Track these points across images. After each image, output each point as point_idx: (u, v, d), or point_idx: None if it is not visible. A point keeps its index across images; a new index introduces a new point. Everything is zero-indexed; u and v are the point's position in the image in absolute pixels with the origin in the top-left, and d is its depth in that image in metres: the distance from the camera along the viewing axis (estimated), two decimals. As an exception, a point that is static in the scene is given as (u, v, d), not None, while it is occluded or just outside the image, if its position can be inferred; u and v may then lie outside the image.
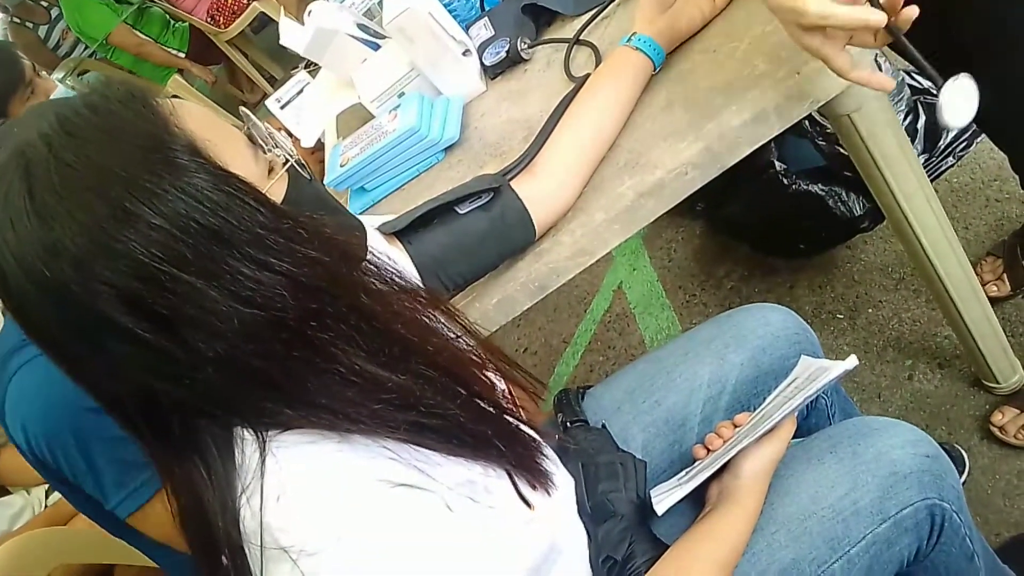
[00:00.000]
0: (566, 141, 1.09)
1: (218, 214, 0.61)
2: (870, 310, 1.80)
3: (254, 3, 4.51)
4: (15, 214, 0.60)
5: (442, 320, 0.80)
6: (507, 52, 1.43)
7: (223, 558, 0.65)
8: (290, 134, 1.78)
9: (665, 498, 0.93)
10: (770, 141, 1.03)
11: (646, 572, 0.89)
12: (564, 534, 0.88)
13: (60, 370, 0.67)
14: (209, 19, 4.59)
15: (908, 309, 1.75)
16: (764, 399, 1.03)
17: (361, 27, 1.58)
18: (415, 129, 1.37)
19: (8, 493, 2.35)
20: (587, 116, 1.10)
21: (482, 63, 1.47)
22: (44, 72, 2.14)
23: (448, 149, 1.41)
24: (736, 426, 1.00)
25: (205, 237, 0.60)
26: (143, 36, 4.58)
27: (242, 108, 0.80)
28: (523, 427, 0.81)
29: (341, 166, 1.43)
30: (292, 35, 1.58)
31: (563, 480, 0.92)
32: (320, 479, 0.64)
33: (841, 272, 1.90)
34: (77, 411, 1.05)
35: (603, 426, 1.10)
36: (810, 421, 1.18)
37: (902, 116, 1.70)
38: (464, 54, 1.45)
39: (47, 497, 2.27)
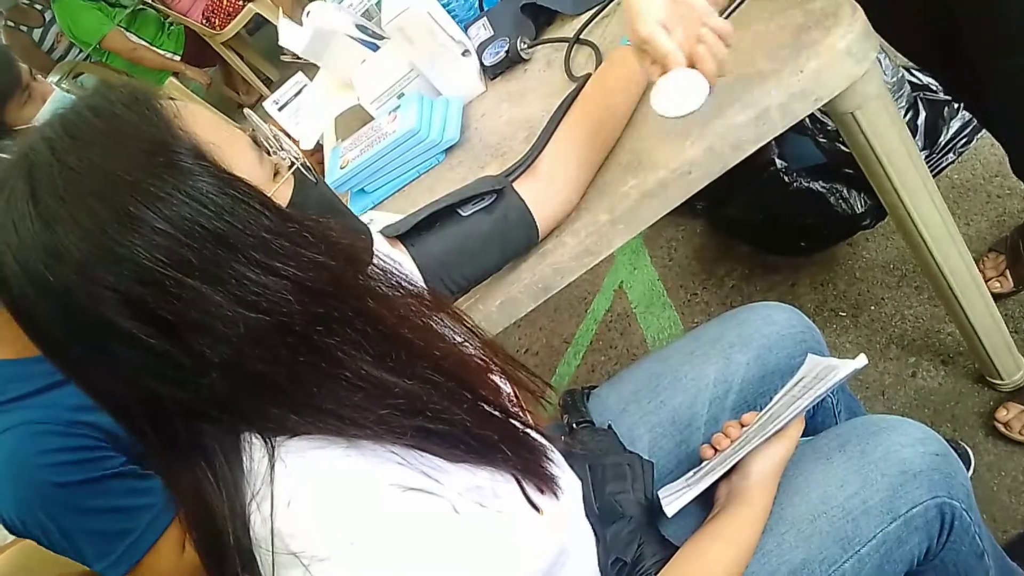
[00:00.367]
0: (568, 141, 1.08)
1: (223, 218, 0.60)
2: (872, 307, 1.79)
3: (249, 4, 4.49)
4: (18, 218, 0.59)
5: (447, 323, 0.80)
6: (507, 52, 1.42)
7: (234, 565, 0.64)
8: (288, 136, 1.77)
9: (675, 499, 0.93)
10: (771, 139, 1.03)
11: (656, 574, 0.88)
12: (572, 537, 0.88)
13: (64, 375, 0.66)
14: (204, 21, 4.58)
15: (911, 306, 1.74)
16: (771, 398, 1.03)
17: (360, 28, 1.57)
18: (415, 130, 1.36)
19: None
20: (589, 116, 1.10)
21: (481, 63, 1.47)
22: (40, 76, 2.12)
23: (448, 150, 1.40)
24: (743, 425, 0.99)
25: (210, 241, 0.59)
26: (137, 40, 4.56)
27: (246, 110, 0.79)
28: (529, 431, 0.81)
29: (341, 168, 1.42)
30: (291, 36, 1.58)
31: (570, 483, 0.92)
32: (330, 484, 0.63)
33: (843, 270, 1.90)
34: (45, 488, 1.05)
35: (609, 427, 1.10)
36: (817, 420, 1.17)
37: (902, 112, 1.70)
38: (463, 54, 1.44)
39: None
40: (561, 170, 1.08)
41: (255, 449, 0.65)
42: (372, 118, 1.51)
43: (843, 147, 1.69)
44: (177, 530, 1.14)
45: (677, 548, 0.90)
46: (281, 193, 0.70)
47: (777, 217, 1.84)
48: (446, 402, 0.70)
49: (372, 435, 0.66)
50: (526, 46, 1.42)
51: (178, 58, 4.76)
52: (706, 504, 0.95)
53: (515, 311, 1.14)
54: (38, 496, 1.06)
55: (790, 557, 0.89)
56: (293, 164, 0.73)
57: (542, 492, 0.79)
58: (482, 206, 1.07)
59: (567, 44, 1.33)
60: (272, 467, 0.63)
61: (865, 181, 1.67)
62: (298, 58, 1.62)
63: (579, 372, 2.25)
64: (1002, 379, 1.48)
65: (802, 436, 0.96)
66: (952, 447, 1.17)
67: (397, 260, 0.95)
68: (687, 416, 1.09)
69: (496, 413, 0.76)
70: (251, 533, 0.63)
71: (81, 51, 4.59)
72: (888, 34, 1.07)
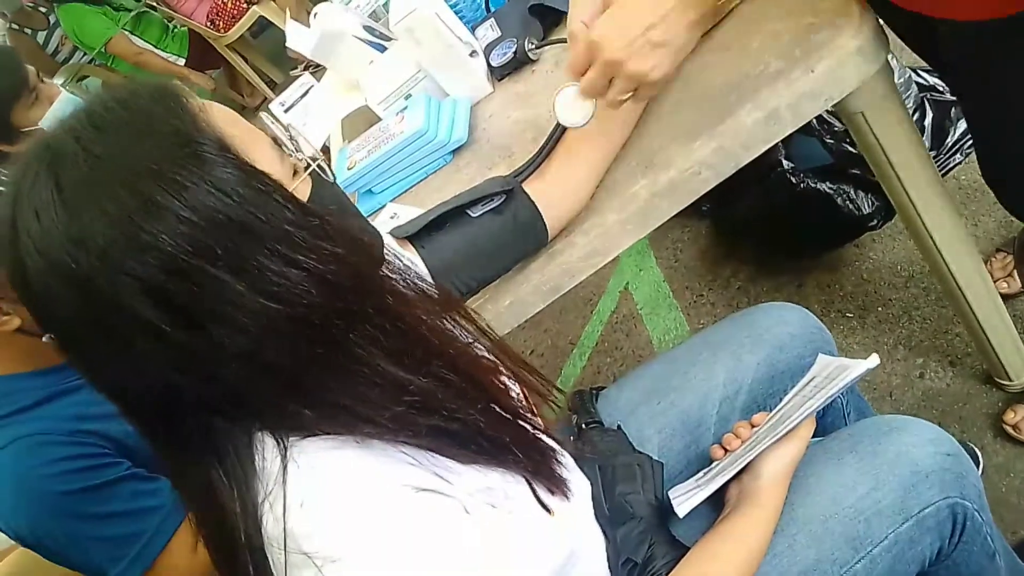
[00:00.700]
0: (577, 142, 1.08)
1: (247, 209, 0.60)
2: (880, 308, 1.79)
3: (253, 7, 4.50)
4: (41, 206, 0.59)
5: (459, 323, 0.80)
6: (514, 53, 1.42)
7: (245, 563, 0.64)
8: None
9: (686, 500, 0.92)
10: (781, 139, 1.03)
11: (667, 574, 0.88)
12: (582, 539, 0.88)
13: (78, 370, 0.65)
14: (209, 23, 4.58)
15: (918, 307, 1.74)
16: (781, 399, 1.02)
17: (367, 29, 1.57)
18: (423, 131, 1.36)
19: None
20: (598, 117, 1.09)
21: (489, 64, 1.46)
22: (47, 78, 2.13)
23: (456, 151, 1.40)
24: (753, 426, 0.99)
25: (234, 231, 0.60)
26: (142, 44, 4.57)
27: (261, 113, 0.80)
28: (539, 432, 0.81)
29: (348, 169, 1.42)
30: (299, 37, 1.58)
31: (580, 484, 0.91)
32: (343, 485, 0.63)
33: (850, 271, 1.89)
34: (53, 497, 1.05)
35: (618, 427, 1.10)
36: (826, 420, 1.17)
37: (910, 113, 1.70)
38: (471, 55, 1.44)
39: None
40: (570, 171, 1.08)
41: (267, 449, 0.65)
42: (379, 119, 1.51)
43: (850, 148, 1.69)
44: (188, 530, 1.14)
45: (688, 549, 0.90)
46: (300, 192, 0.70)
47: (784, 218, 1.84)
48: (460, 401, 0.70)
49: (386, 432, 0.66)
50: (534, 47, 1.42)
51: (182, 61, 4.77)
52: (717, 505, 0.95)
53: (524, 311, 1.14)
54: (46, 507, 1.06)
55: (802, 558, 0.89)
56: (311, 164, 0.73)
57: (552, 493, 0.79)
58: (491, 207, 1.06)
59: (575, 45, 1.33)
60: (284, 467, 0.63)
61: (872, 182, 1.68)
62: (307, 64, 1.63)
63: (584, 374, 2.25)
64: (1010, 380, 1.48)
65: (812, 437, 0.96)
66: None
67: (410, 260, 0.95)
68: (697, 417, 1.09)
69: (507, 415, 0.76)
70: (263, 532, 0.63)
71: (85, 54, 4.60)
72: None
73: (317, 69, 2.60)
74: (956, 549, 0.93)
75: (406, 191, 1.43)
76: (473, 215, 1.06)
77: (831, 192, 1.73)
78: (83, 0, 4.34)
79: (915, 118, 1.72)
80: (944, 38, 0.90)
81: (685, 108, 1.08)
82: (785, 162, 1.76)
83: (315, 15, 1.58)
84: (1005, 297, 1.57)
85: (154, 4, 4.63)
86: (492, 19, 1.52)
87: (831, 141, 1.70)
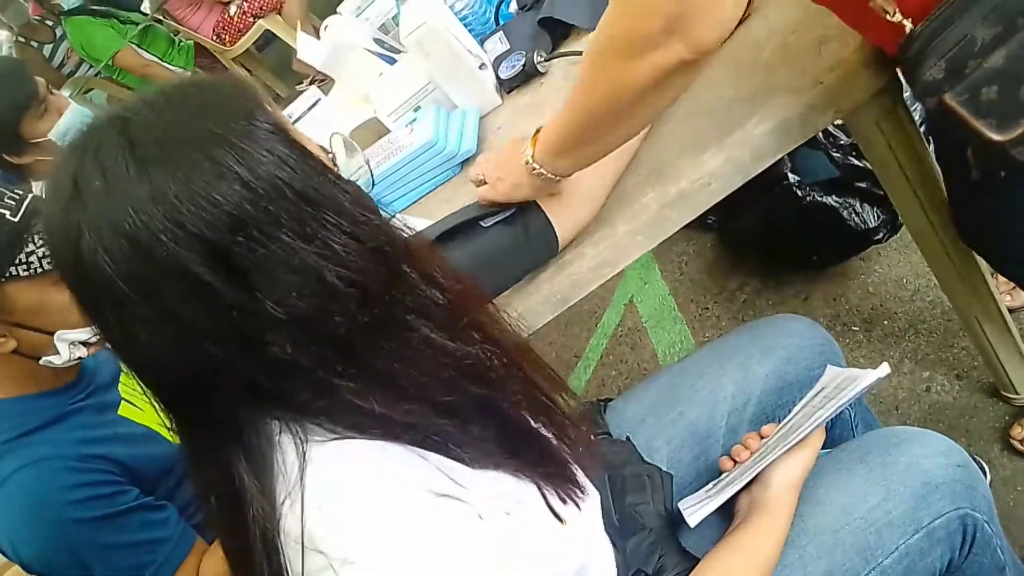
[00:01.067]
0: None
1: (309, 183, 0.63)
2: (885, 322, 1.79)
3: (259, 21, 4.53)
4: (110, 164, 0.60)
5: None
6: (523, 66, 1.43)
7: (259, 556, 0.65)
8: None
9: (697, 510, 0.92)
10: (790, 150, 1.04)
11: (677, 585, 0.88)
12: (592, 548, 0.88)
13: (111, 340, 0.65)
14: (215, 37, 4.61)
15: (924, 320, 1.74)
16: (789, 410, 1.02)
17: (377, 41, 1.58)
18: (432, 142, 1.37)
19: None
20: None
21: (497, 76, 1.47)
22: (55, 90, 2.14)
23: (465, 162, 1.41)
24: (762, 437, 0.99)
25: (297, 200, 0.62)
26: (148, 57, 4.59)
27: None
28: (554, 440, 0.81)
29: (357, 180, 1.43)
30: (310, 50, 1.59)
31: (590, 494, 0.92)
32: (361, 488, 0.64)
33: (855, 284, 1.90)
34: (66, 526, 1.04)
35: (627, 438, 1.10)
36: (835, 433, 1.17)
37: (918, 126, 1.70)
38: (480, 67, 1.46)
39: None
40: (581, 182, 1.08)
41: (288, 451, 0.65)
42: (388, 131, 1.52)
43: (856, 161, 1.69)
44: (194, 559, 1.14)
45: (698, 560, 0.90)
46: None
47: (790, 231, 1.85)
48: (502, 371, 0.72)
49: (425, 413, 0.67)
50: (543, 59, 1.43)
51: (189, 75, 4.79)
52: (727, 516, 0.95)
53: (534, 322, 1.14)
54: (59, 535, 1.05)
55: (812, 569, 0.89)
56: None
57: (565, 503, 0.79)
58: (502, 218, 1.07)
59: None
60: (303, 469, 0.63)
61: (878, 195, 1.69)
62: (312, 77, 1.63)
63: (589, 387, 2.25)
64: (1017, 393, 1.48)
65: (821, 448, 0.96)
66: (968, 461, 1.17)
67: None
68: (705, 428, 1.09)
69: (544, 398, 0.79)
70: (281, 528, 0.64)
71: (91, 67, 4.62)
72: None
73: (324, 82, 2.62)
74: (966, 560, 0.93)
75: (415, 202, 1.44)
76: (484, 226, 1.07)
77: (837, 205, 1.73)
78: (91, 13, 4.36)
79: (923, 130, 1.73)
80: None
81: (694, 120, 1.09)
82: (791, 175, 1.77)
83: (326, 28, 1.59)
84: (1010, 310, 1.57)
85: (160, 17, 4.66)
86: (501, 32, 1.54)
87: (837, 154, 1.70)
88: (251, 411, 0.66)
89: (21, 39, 4.57)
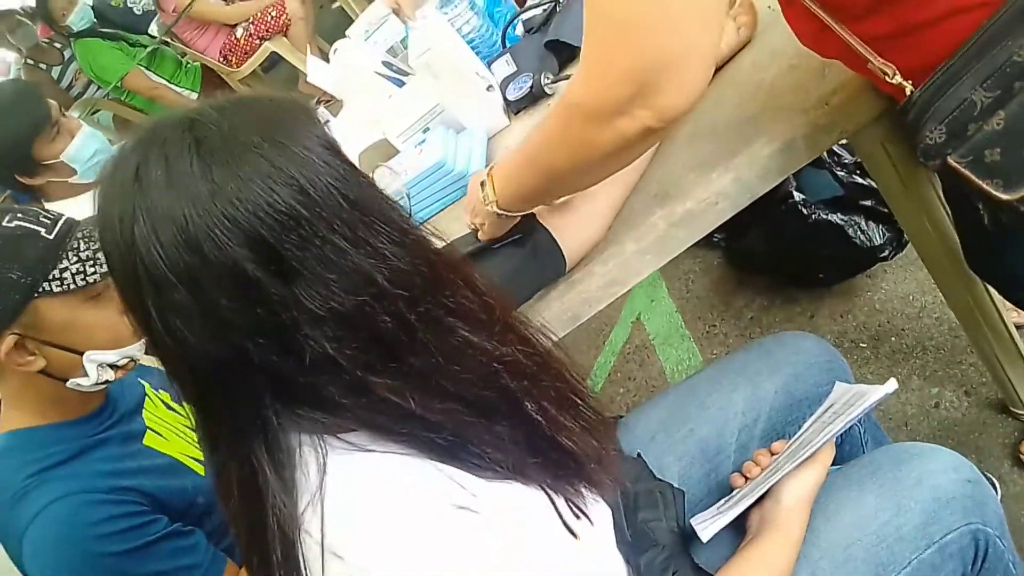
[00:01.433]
0: None
1: (359, 192, 0.66)
2: (893, 339, 1.80)
3: (266, 43, 4.58)
4: (175, 157, 0.63)
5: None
6: (531, 87, 1.45)
7: (276, 554, 0.66)
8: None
9: (709, 525, 0.93)
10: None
11: (691, 601, 0.88)
12: (605, 564, 0.88)
13: (146, 331, 0.67)
14: (222, 59, 4.66)
15: (931, 337, 1.75)
16: (799, 427, 1.03)
17: (386, 64, 1.60)
18: (441, 163, 1.39)
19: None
20: None
21: (505, 98, 1.49)
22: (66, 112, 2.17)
23: (474, 183, 1.42)
24: (773, 454, 1.00)
25: (350, 209, 0.64)
26: (157, 79, 4.64)
27: None
28: (577, 446, 0.82)
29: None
30: (320, 73, 1.61)
31: (602, 509, 0.92)
32: (381, 498, 0.65)
33: (862, 301, 1.90)
34: (96, 559, 1.04)
35: (638, 455, 1.10)
36: (844, 449, 1.17)
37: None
38: (487, 89, 1.47)
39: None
40: (588, 203, 1.10)
41: (309, 461, 0.66)
42: (397, 152, 1.54)
43: (860, 179, 1.71)
44: None
45: (711, 576, 0.91)
46: None
47: (796, 249, 1.86)
48: (536, 369, 0.75)
49: (459, 412, 0.69)
50: (550, 81, 1.45)
51: (195, 96, 4.83)
52: (739, 531, 0.95)
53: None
54: (92, 569, 1.05)
55: (825, 584, 0.89)
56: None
57: (577, 517, 0.79)
58: (511, 239, 1.09)
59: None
60: (323, 479, 0.65)
61: (883, 213, 1.70)
62: (318, 99, 1.66)
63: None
64: (1025, 409, 1.48)
65: (831, 464, 0.96)
66: (979, 476, 1.17)
67: None
68: (716, 445, 1.10)
69: (575, 397, 0.81)
70: (302, 526, 0.65)
71: (99, 89, 4.66)
72: None
73: (331, 103, 2.64)
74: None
75: (424, 222, 1.45)
76: (493, 247, 1.08)
77: (842, 223, 1.74)
78: (100, 36, 4.41)
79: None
80: None
81: (702, 140, 1.10)
82: (796, 193, 1.79)
83: (335, 51, 1.61)
84: (1017, 327, 1.57)
85: (168, 40, 4.71)
86: (508, 55, 1.55)
87: (842, 173, 1.72)
88: (278, 409, 0.67)
89: (30, 61, 4.62)
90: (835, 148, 1.71)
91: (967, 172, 0.81)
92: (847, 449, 1.18)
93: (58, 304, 1.06)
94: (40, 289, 1.04)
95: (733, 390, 1.12)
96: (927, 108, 0.81)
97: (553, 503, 0.77)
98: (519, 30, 1.63)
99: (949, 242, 1.14)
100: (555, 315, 1.12)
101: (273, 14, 4.49)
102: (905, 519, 0.89)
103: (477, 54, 1.55)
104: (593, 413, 0.82)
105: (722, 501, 1.01)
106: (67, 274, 1.05)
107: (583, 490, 0.82)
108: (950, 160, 0.81)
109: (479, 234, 1.10)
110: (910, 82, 0.82)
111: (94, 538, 1.04)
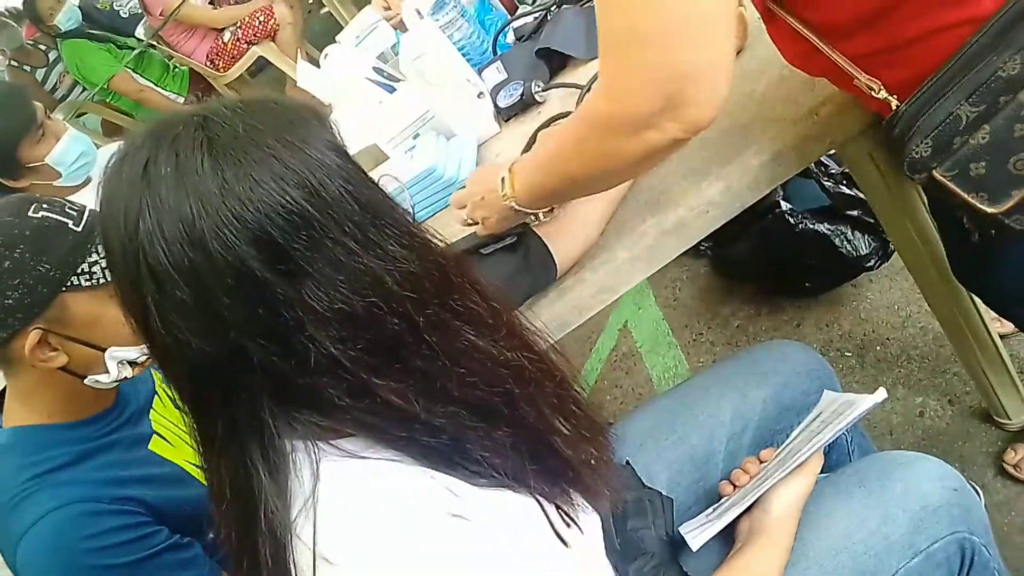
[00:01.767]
0: None
1: (369, 196, 0.66)
2: (878, 348, 1.81)
3: (253, 48, 4.56)
4: (186, 154, 0.62)
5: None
6: (521, 95, 1.46)
7: (264, 553, 0.65)
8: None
9: (698, 534, 0.93)
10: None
11: (680, 609, 0.88)
12: (595, 573, 0.88)
13: (143, 328, 0.66)
14: (209, 63, 4.64)
15: (916, 346, 1.76)
16: (787, 435, 1.04)
17: (377, 70, 1.60)
18: (431, 169, 1.39)
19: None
20: None
21: (496, 105, 1.50)
22: (52, 115, 2.15)
23: (464, 189, 1.42)
24: (762, 461, 1.00)
25: (360, 211, 0.64)
26: (143, 82, 4.61)
27: None
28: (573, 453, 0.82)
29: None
30: (309, 78, 1.61)
31: (591, 518, 0.92)
32: (373, 505, 0.65)
33: (848, 310, 1.92)
34: (97, 571, 1.02)
35: (627, 463, 1.10)
36: (831, 457, 1.18)
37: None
38: (478, 96, 1.48)
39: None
40: (580, 209, 1.10)
41: (304, 469, 0.66)
42: (387, 158, 1.54)
43: (847, 190, 1.72)
44: None
45: (700, 584, 0.91)
46: None
47: (782, 258, 1.87)
48: (538, 374, 0.75)
49: (462, 407, 0.69)
50: (540, 88, 1.45)
51: (182, 100, 4.81)
52: (728, 540, 0.95)
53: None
54: None
55: (813, 592, 0.90)
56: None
57: (568, 525, 0.79)
58: (502, 245, 1.09)
59: (580, 91, 1.36)
60: (316, 485, 0.65)
61: (869, 223, 1.71)
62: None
63: (584, 411, 2.25)
64: (1009, 418, 1.49)
65: (819, 473, 0.97)
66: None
67: None
68: (705, 453, 1.10)
69: (574, 406, 0.80)
70: (294, 530, 0.65)
71: (84, 91, 4.63)
72: None
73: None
74: (965, 584, 0.93)
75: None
76: (484, 253, 1.08)
77: (829, 233, 1.76)
78: (88, 37, 4.38)
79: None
80: None
81: (693, 149, 1.10)
82: (783, 203, 1.80)
83: (326, 56, 1.61)
84: (1001, 336, 1.59)
85: (155, 43, 4.69)
86: (498, 62, 1.56)
87: (829, 183, 1.73)
88: (275, 411, 0.67)
89: (14, 63, 4.59)
90: (822, 158, 1.72)
91: (953, 186, 0.82)
92: (834, 458, 1.18)
93: (85, 299, 1.03)
94: (68, 283, 1.01)
95: (721, 398, 1.12)
96: (913, 122, 0.82)
97: (544, 511, 0.77)
98: (510, 38, 1.63)
99: (935, 251, 1.15)
100: (545, 321, 1.12)
101: (261, 19, 4.48)
102: (892, 528, 0.90)
103: (468, 61, 1.55)
104: (590, 421, 0.82)
105: (710, 509, 1.01)
106: (96, 268, 1.03)
107: (576, 498, 0.82)
108: (936, 174, 0.82)
109: (481, 228, 1.10)
110: (895, 97, 0.83)
111: (92, 551, 1.02)
